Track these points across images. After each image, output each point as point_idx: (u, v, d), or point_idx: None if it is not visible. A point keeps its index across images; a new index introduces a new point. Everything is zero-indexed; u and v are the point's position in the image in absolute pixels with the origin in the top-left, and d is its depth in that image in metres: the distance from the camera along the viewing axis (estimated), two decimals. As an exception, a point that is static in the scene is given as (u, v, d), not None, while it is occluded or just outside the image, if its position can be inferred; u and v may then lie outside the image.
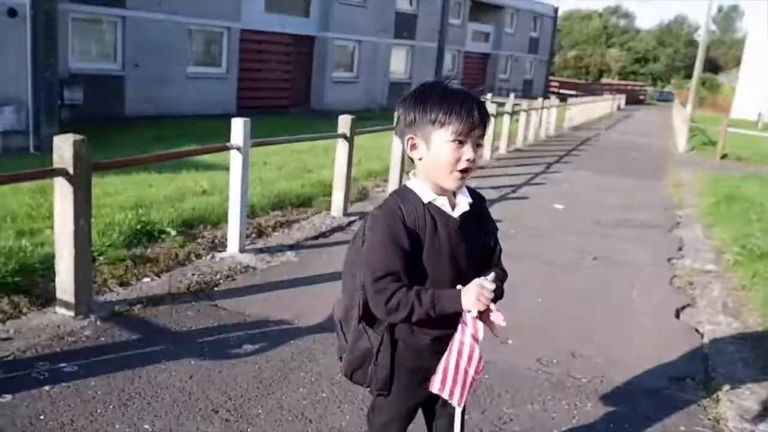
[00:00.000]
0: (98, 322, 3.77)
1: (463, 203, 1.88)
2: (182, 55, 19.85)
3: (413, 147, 1.82)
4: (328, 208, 7.08)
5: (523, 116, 15.92)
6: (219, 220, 5.90)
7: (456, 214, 1.85)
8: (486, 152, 12.91)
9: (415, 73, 30.43)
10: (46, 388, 3.02)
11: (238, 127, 5.11)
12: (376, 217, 1.83)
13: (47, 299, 3.89)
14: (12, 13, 13.52)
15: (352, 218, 6.96)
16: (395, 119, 1.87)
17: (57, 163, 3.59)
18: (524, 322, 4.44)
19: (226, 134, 5.24)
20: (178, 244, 5.17)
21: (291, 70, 24.61)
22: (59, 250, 3.74)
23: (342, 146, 6.89)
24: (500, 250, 2.04)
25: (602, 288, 5.45)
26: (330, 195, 7.13)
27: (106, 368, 3.26)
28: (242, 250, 5.32)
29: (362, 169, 9.41)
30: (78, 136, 3.62)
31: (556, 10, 44.69)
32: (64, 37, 16.75)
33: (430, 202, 1.82)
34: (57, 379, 3.10)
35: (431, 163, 1.79)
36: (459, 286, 1.80)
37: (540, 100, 19.02)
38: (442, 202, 1.83)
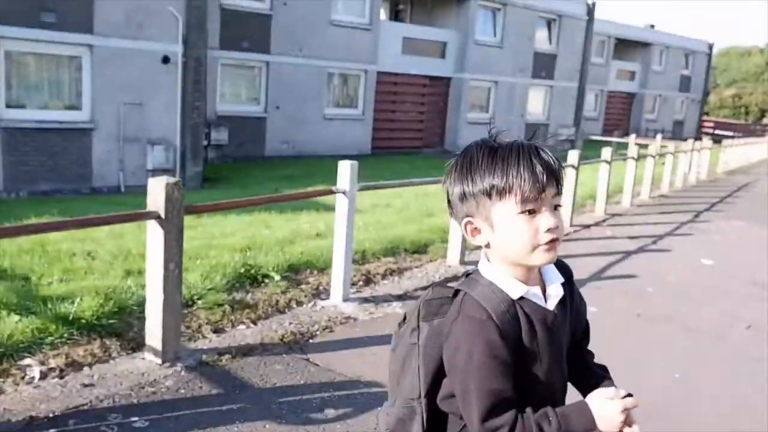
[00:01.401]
0: (183, 372, 3.61)
1: (556, 288, 1.44)
2: (320, 97, 20.51)
3: (474, 231, 1.39)
4: (445, 256, 6.70)
5: (669, 159, 14.70)
6: (327, 265, 5.70)
7: (552, 305, 1.42)
8: (626, 198, 11.96)
9: (553, 114, 29.52)
10: (111, 445, 2.86)
11: (345, 170, 4.91)
12: (462, 331, 1.35)
13: (139, 344, 3.81)
14: (165, 60, 14.57)
15: (469, 267, 6.50)
16: (446, 195, 1.43)
17: (150, 206, 3.52)
18: (656, 404, 3.78)
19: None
20: (280, 290, 5.00)
21: (425, 111, 24.69)
22: (149, 295, 3.65)
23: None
24: (589, 332, 1.63)
25: (755, 363, 4.60)
26: (448, 241, 6.75)
27: (177, 426, 3.06)
28: (345, 299, 5.05)
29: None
30: (172, 179, 3.53)
31: (710, 46, 41.87)
32: (212, 81, 17.86)
33: (522, 298, 1.38)
34: (124, 436, 2.93)
35: (503, 247, 1.36)
36: (582, 398, 1.41)
37: (690, 141, 17.56)
38: (534, 293, 1.39)
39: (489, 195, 1.31)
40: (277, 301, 4.84)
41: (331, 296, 5.09)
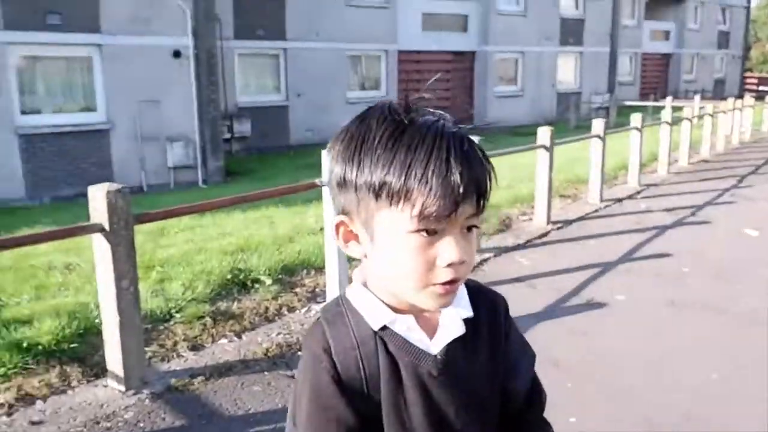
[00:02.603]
0: (147, 401, 3.23)
1: (453, 323, 0.97)
2: (342, 81, 20.04)
3: (348, 236, 0.94)
4: (459, 243, 6.20)
5: (708, 121, 13.82)
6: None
7: (437, 347, 0.95)
8: (662, 166, 11.21)
9: (585, 82, 28.48)
10: (43, 501, 2.49)
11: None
12: (300, 366, 0.98)
13: (103, 368, 3.44)
14: (176, 54, 14.28)
15: (486, 255, 6.02)
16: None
17: (93, 217, 3.13)
18: (692, 409, 3.26)
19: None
20: (271, 296, 4.59)
21: (451, 88, 24.02)
22: (104, 317, 3.27)
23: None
24: (543, 396, 1.10)
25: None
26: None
27: (126, 471, 2.68)
28: (343, 301, 4.61)
29: (509, 193, 8.39)
30: (114, 186, 3.13)
31: (749, -1, 39.92)
32: (230, 73, 17.54)
33: (385, 328, 0.93)
34: (61, 488, 2.56)
35: (381, 271, 0.92)
36: None
37: (731, 100, 16.56)
38: (408, 326, 0.94)
39: (377, 194, 0.86)
40: (267, 308, 4.43)
41: (327, 299, 4.66)
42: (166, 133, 14.37)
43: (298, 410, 0.95)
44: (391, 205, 0.85)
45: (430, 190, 0.83)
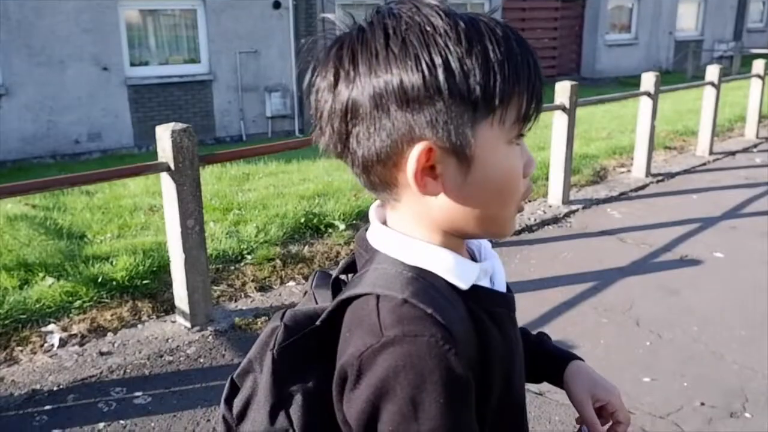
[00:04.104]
0: (210, 337, 3.30)
1: (496, 260, 0.86)
2: (441, 30, 19.53)
3: (430, 173, 0.72)
4: (546, 194, 5.91)
5: None
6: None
7: (501, 286, 0.84)
8: (751, 128, 10.17)
9: (707, 28, 26.33)
10: (100, 426, 2.58)
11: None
12: (395, 363, 0.67)
13: (172, 305, 3.54)
14: (276, 5, 14.39)
15: (574, 207, 5.70)
16: (319, 108, 0.75)
17: (160, 156, 3.16)
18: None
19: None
20: (343, 240, 4.56)
21: (558, 37, 22.89)
22: (172, 255, 3.34)
23: (560, 120, 5.64)
24: None
25: None
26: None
27: (180, 402, 2.74)
28: (416, 249, 4.51)
29: (607, 144, 7.90)
30: (179, 125, 3.14)
31: None
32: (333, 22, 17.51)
33: (475, 287, 0.76)
34: (118, 414, 2.65)
35: (484, 197, 0.74)
36: None
37: None
38: (485, 271, 0.80)
39: (475, 104, 0.69)
40: (338, 252, 4.41)
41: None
42: (265, 84, 14.63)
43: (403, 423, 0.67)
44: (491, 112, 0.70)
45: (529, 88, 0.71)
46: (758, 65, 8.95)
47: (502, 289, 0.83)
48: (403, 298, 0.69)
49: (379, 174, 0.73)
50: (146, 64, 13.62)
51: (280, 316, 0.79)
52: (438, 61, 0.67)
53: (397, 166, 0.71)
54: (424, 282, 0.72)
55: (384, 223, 0.79)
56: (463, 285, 0.74)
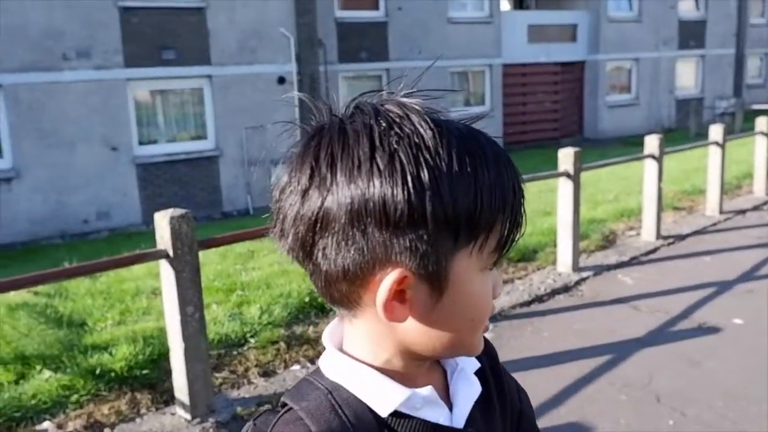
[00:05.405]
0: (212, 430, 3.16)
1: (468, 381, 0.76)
2: (445, 98, 19.76)
3: (401, 298, 0.66)
4: (555, 262, 5.80)
5: None
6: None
7: (460, 418, 0.74)
8: (759, 186, 10.11)
9: (707, 86, 26.67)
10: None
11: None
12: None
13: (172, 395, 3.42)
14: (281, 80, 14.72)
15: (585, 274, 5.58)
16: (283, 209, 0.69)
17: (158, 243, 3.11)
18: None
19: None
20: (350, 319, 4.44)
21: (560, 100, 23.23)
22: (171, 343, 3.24)
23: (564, 186, 5.60)
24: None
25: None
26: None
27: (178, 506, 2.59)
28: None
29: (615, 207, 7.83)
30: (178, 211, 3.10)
31: None
32: (335, 95, 17.78)
33: (397, 414, 0.69)
34: None
35: (445, 323, 0.68)
36: None
37: None
38: (425, 397, 0.71)
39: (457, 232, 0.64)
40: (344, 332, 4.29)
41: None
42: (271, 157, 14.73)
43: None
44: (472, 240, 0.65)
45: (513, 213, 0.67)
46: (761, 122, 8.96)
47: (461, 419, 0.73)
48: (297, 411, 0.68)
49: (343, 290, 0.67)
50: (155, 142, 13.84)
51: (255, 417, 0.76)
52: (427, 183, 0.62)
53: (364, 286, 0.66)
54: (330, 398, 0.68)
55: (341, 341, 0.73)
56: (381, 410, 0.68)
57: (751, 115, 21.28)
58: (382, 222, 0.62)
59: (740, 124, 21.33)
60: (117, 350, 3.65)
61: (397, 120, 0.66)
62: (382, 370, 0.69)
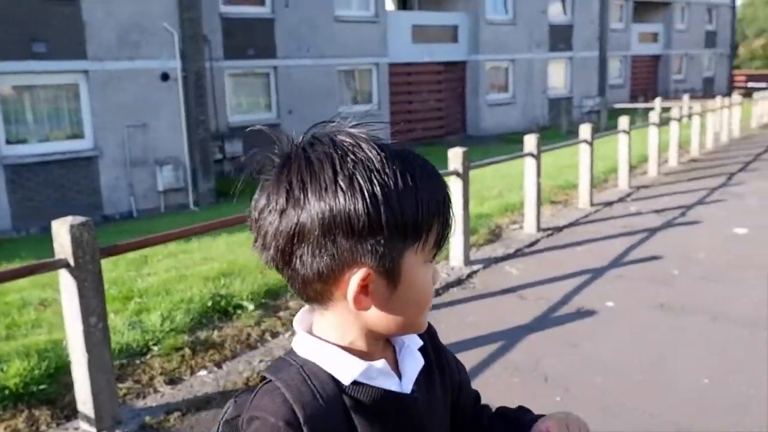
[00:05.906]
0: (119, 440, 3.13)
1: (413, 356, 0.92)
2: (333, 96, 19.95)
3: (365, 291, 0.81)
4: (447, 257, 6.10)
5: (696, 120, 13.74)
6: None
7: (408, 385, 0.89)
8: (652, 167, 11.15)
9: (576, 86, 28.47)
10: None
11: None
12: None
13: (74, 410, 3.33)
14: (165, 77, 14.22)
15: (475, 267, 5.92)
16: (263, 227, 0.83)
17: (58, 252, 3.03)
18: (681, 420, 3.16)
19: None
20: (254, 321, 4.49)
21: (443, 98, 24.00)
22: (73, 355, 3.17)
23: (455, 184, 5.90)
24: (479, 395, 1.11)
25: (806, 356, 3.91)
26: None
27: None
28: (327, 323, 4.51)
29: (499, 203, 8.29)
30: (78, 219, 3.04)
31: (734, -4, 40.01)
32: (221, 93, 17.46)
33: (357, 383, 0.84)
34: None
35: (405, 309, 0.85)
36: None
37: (718, 99, 16.52)
38: (380, 369, 0.86)
39: (406, 235, 0.81)
40: (249, 335, 4.33)
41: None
42: (155, 156, 14.28)
43: None
44: (416, 240, 0.82)
45: (444, 216, 0.84)
46: (623, 122, 9.79)
47: (408, 386, 0.89)
48: (275, 382, 0.82)
49: (317, 289, 0.83)
50: (24, 141, 12.98)
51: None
52: (381, 198, 0.78)
53: (335, 284, 0.81)
54: (302, 371, 0.83)
55: (311, 326, 0.88)
56: (344, 379, 0.83)
57: (613, 113, 23.03)
58: (348, 232, 0.78)
59: (605, 121, 23.00)
60: (9, 366, 3.50)
61: (351, 148, 0.82)
62: (346, 349, 0.85)
